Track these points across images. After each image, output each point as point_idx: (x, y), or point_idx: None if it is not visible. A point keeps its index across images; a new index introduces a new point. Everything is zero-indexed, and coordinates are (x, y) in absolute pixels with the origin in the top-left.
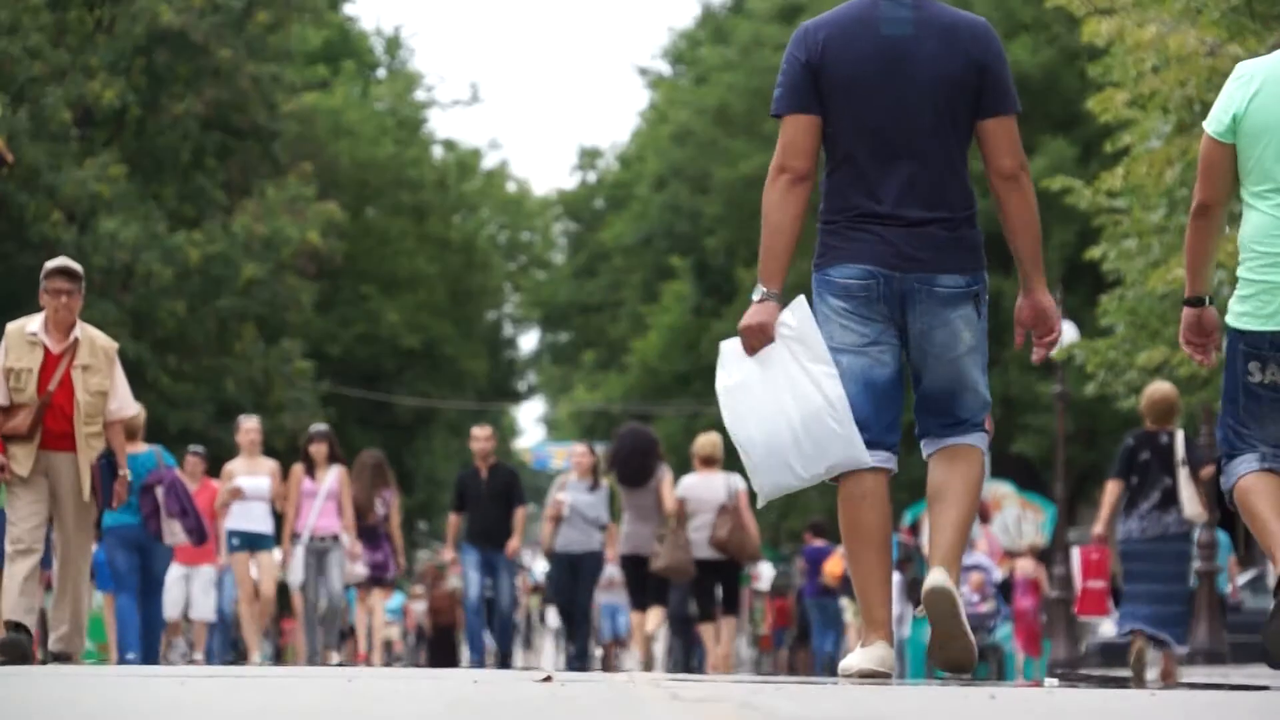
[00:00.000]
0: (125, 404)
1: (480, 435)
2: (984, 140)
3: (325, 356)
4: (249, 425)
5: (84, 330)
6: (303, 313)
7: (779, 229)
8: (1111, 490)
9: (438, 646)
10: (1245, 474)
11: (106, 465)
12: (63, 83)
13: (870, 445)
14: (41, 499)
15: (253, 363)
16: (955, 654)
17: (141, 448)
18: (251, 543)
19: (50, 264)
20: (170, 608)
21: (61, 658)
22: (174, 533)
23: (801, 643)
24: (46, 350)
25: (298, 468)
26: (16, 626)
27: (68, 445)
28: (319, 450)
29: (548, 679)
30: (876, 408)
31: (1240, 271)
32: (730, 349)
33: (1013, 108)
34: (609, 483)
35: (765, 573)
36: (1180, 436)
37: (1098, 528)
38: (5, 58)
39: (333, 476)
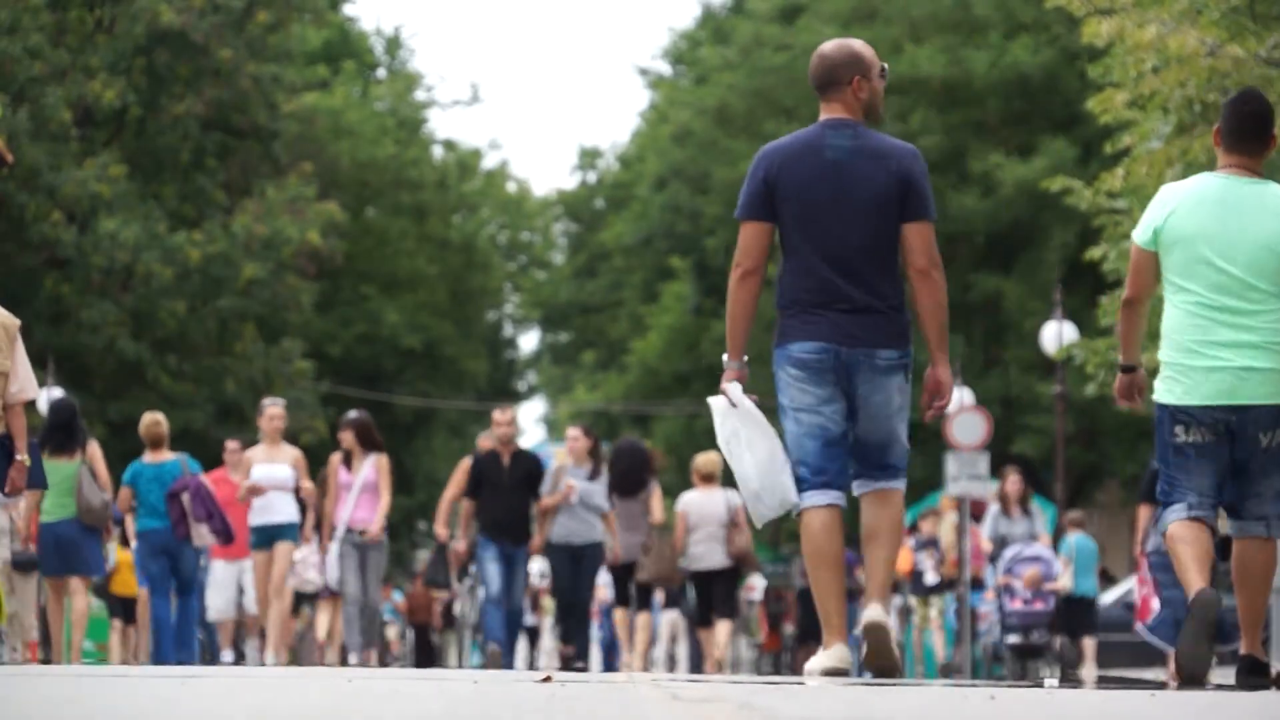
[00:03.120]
0: (26, 386)
1: (502, 420)
2: (904, 241)
3: (325, 356)
4: (274, 411)
5: None
6: (303, 313)
7: (734, 315)
8: (1143, 514)
9: (416, 646)
10: (1173, 521)
11: (1, 450)
12: (63, 83)
13: (825, 486)
14: None
15: (253, 363)
16: (884, 670)
17: (167, 455)
18: (271, 536)
19: None
20: (224, 610)
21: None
22: (201, 535)
23: (802, 643)
24: None
25: (335, 457)
26: None
27: None
28: (346, 438)
29: (547, 679)
30: (829, 456)
31: (1160, 355)
32: (716, 403)
33: (929, 216)
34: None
35: (758, 584)
36: None
37: (1137, 549)
38: (5, 58)
39: (369, 466)
